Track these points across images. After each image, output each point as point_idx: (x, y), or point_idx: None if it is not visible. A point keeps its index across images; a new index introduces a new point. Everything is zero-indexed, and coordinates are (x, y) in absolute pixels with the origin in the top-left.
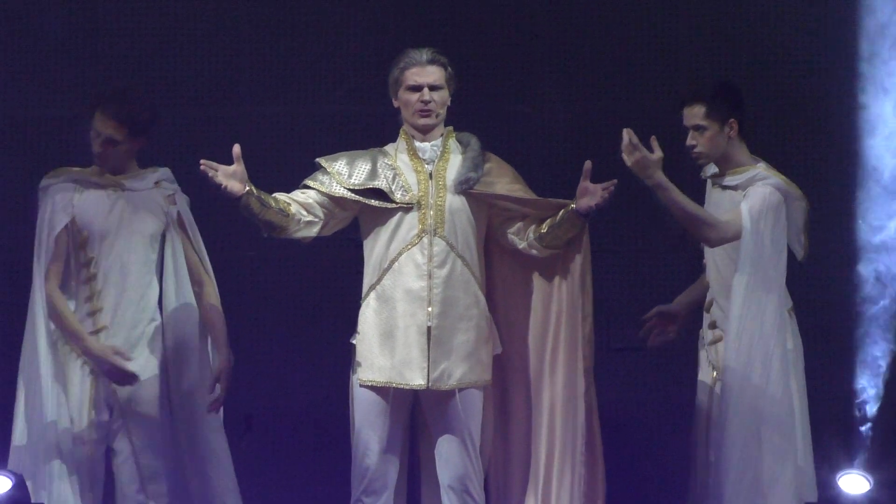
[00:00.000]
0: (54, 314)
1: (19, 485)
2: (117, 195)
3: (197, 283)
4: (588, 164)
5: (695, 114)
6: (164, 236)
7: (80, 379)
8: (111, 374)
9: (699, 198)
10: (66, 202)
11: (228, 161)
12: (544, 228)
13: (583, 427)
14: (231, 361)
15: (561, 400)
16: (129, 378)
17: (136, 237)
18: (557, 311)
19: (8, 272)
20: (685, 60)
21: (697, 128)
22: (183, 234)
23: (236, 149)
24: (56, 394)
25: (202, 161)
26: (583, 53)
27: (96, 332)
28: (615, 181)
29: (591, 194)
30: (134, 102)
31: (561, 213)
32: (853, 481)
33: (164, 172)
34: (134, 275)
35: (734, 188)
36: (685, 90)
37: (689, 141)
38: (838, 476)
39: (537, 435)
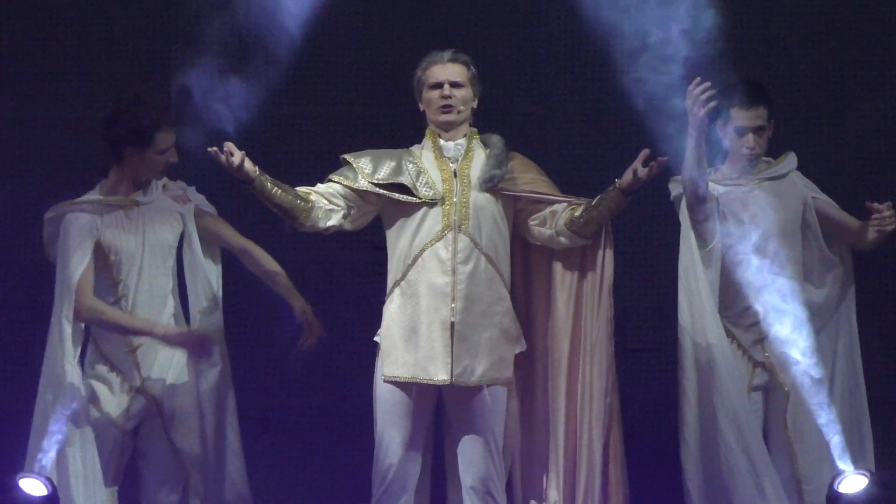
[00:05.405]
0: (107, 324)
1: (55, 490)
2: (135, 213)
3: (240, 252)
4: (645, 151)
5: (759, 115)
6: (181, 238)
7: (116, 395)
8: (192, 347)
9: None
10: (90, 225)
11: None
12: (577, 212)
13: (604, 427)
14: (307, 305)
15: (583, 399)
16: (208, 346)
17: (157, 251)
18: (581, 310)
19: (27, 274)
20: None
21: (759, 129)
22: (207, 218)
23: (228, 145)
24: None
25: (209, 148)
26: (597, 54)
27: (131, 351)
28: (666, 159)
29: (636, 171)
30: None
31: (598, 197)
32: (852, 482)
33: (185, 186)
34: (158, 289)
35: (784, 176)
36: (739, 91)
37: (751, 143)
38: (836, 482)
39: (560, 433)
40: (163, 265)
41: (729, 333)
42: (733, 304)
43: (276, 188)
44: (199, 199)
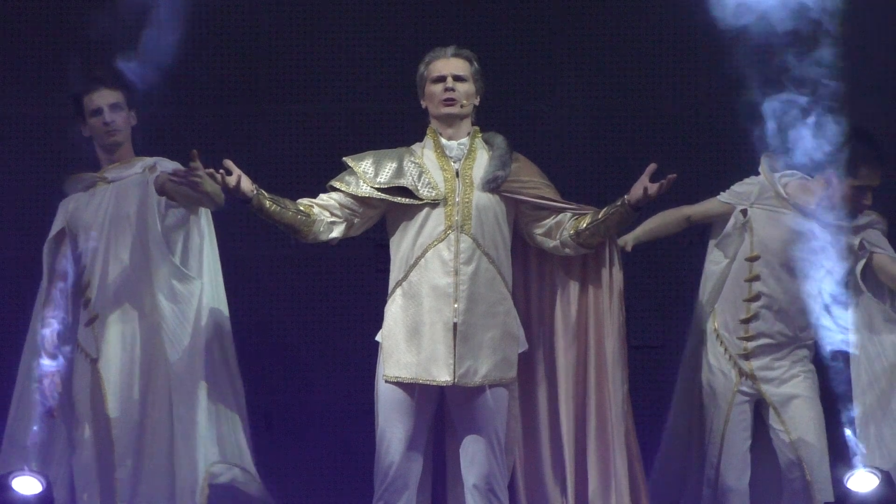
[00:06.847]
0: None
1: (49, 487)
2: (102, 189)
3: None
4: (653, 166)
5: (881, 175)
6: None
7: (85, 375)
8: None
9: None
10: (61, 210)
11: (243, 161)
12: (583, 224)
13: (625, 433)
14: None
15: (590, 405)
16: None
17: (118, 223)
18: (586, 314)
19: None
20: (703, 59)
21: (876, 188)
22: (170, 180)
23: (227, 162)
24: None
25: (206, 170)
26: (603, 52)
27: (90, 321)
28: (674, 175)
29: (646, 188)
30: (107, 69)
31: (605, 209)
32: (862, 479)
33: (158, 160)
34: (117, 258)
35: (854, 230)
36: (869, 149)
37: (869, 201)
38: (846, 477)
39: (568, 436)
40: (124, 237)
41: (719, 337)
42: (734, 314)
43: (274, 206)
44: (169, 167)
